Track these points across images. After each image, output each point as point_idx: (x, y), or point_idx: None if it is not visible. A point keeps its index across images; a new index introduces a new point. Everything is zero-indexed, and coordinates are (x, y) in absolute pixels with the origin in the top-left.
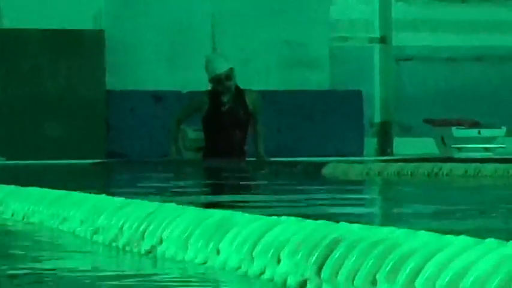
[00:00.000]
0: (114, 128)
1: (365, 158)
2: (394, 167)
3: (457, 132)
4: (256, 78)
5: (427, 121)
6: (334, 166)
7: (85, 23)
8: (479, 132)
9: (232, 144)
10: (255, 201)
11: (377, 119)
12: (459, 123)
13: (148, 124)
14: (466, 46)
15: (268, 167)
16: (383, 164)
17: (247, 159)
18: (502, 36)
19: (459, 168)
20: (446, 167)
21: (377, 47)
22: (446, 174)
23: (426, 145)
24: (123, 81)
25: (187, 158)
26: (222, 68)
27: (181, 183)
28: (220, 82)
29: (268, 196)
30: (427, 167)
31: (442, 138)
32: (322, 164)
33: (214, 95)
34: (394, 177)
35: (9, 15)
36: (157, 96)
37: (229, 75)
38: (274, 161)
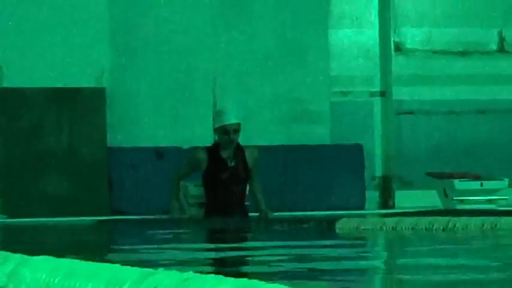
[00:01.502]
0: (116, 185)
1: (368, 212)
2: (408, 221)
3: (459, 184)
4: (257, 133)
5: (429, 174)
6: (346, 221)
7: (87, 82)
8: (481, 185)
9: (233, 201)
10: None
11: (378, 172)
12: (461, 176)
13: (150, 180)
14: (466, 99)
15: (278, 225)
16: (397, 218)
17: (250, 214)
18: (502, 89)
19: (475, 222)
20: (461, 221)
21: (378, 101)
22: (462, 228)
23: (427, 198)
24: (125, 138)
25: (190, 215)
26: (233, 119)
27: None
28: (227, 134)
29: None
30: (441, 221)
31: (444, 191)
32: (333, 220)
33: (214, 151)
34: (408, 232)
35: (10, 75)
36: (159, 153)
37: (237, 129)
38: (283, 218)
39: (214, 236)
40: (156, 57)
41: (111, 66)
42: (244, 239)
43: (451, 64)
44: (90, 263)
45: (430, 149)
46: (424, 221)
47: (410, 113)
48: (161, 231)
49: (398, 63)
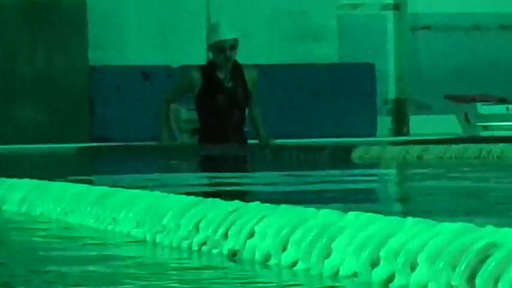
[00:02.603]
0: (98, 109)
1: (380, 139)
2: (436, 149)
3: (482, 108)
4: (256, 52)
5: (448, 97)
6: (365, 150)
7: None
8: (507, 109)
9: (231, 127)
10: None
11: (391, 95)
12: (484, 99)
13: (136, 104)
14: (490, 13)
15: (279, 152)
16: (421, 146)
17: (249, 142)
18: None
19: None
20: (497, 149)
21: (390, 14)
22: (498, 157)
23: (446, 124)
24: (108, 56)
25: (182, 142)
26: (227, 35)
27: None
28: (223, 51)
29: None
30: (473, 149)
31: (466, 116)
32: (349, 148)
33: (208, 71)
34: (437, 161)
35: None
36: (146, 73)
37: (233, 45)
38: (288, 145)
39: (210, 165)
40: None
41: None
42: (245, 169)
43: None
44: (124, 189)
45: (449, 68)
46: (454, 149)
47: (427, 28)
48: (147, 161)
49: None
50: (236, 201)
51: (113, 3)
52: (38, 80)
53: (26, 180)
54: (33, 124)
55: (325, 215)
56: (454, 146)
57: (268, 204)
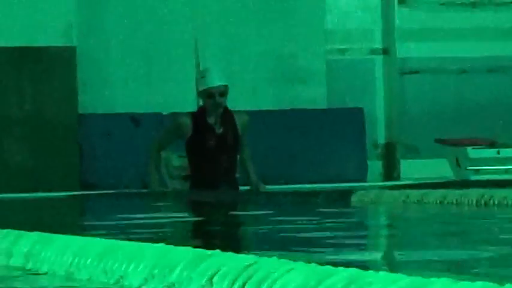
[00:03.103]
0: (87, 156)
1: (371, 184)
2: (436, 194)
3: (472, 152)
4: (243, 96)
5: (439, 141)
6: (364, 194)
7: (54, 40)
8: (498, 152)
9: (221, 172)
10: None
11: (381, 139)
12: (474, 143)
13: (125, 150)
14: (478, 56)
15: (281, 197)
16: (421, 190)
17: (240, 188)
18: None
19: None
20: (498, 194)
21: (379, 59)
22: (498, 203)
23: (436, 167)
24: (98, 103)
25: (173, 188)
26: (217, 82)
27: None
28: (213, 97)
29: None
30: (474, 194)
31: (457, 160)
32: (346, 192)
33: (199, 117)
34: (437, 206)
35: None
36: (136, 119)
37: (223, 92)
38: (279, 192)
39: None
40: (130, 10)
41: (79, 21)
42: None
43: (461, 17)
44: (130, 242)
45: (438, 112)
46: (454, 194)
47: (416, 72)
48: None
49: (402, 16)
50: (253, 256)
51: (103, 50)
52: (26, 125)
53: (31, 233)
54: (21, 170)
55: (349, 272)
56: (454, 191)
57: (286, 260)
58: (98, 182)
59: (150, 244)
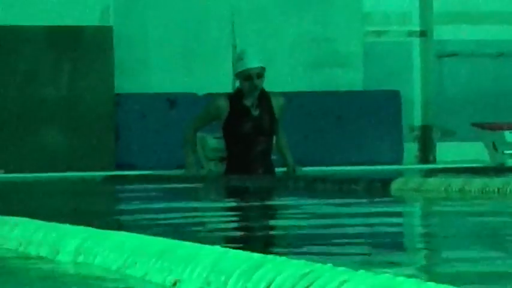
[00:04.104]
0: (123, 136)
1: (407, 167)
2: (478, 182)
3: (510, 136)
4: (280, 79)
5: (475, 125)
6: (404, 182)
7: (91, 19)
8: None
9: (258, 154)
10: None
11: (417, 122)
12: None
13: (161, 131)
14: None
15: (319, 183)
16: (462, 179)
17: (276, 170)
18: None
19: None
20: None
21: (416, 41)
22: None
23: (472, 151)
24: (134, 83)
25: (209, 170)
26: (254, 63)
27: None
28: (250, 79)
29: None
30: None
31: (493, 144)
32: (387, 180)
33: (235, 98)
34: (480, 195)
35: (4, 11)
36: (172, 100)
37: (260, 73)
38: (316, 175)
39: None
40: None
41: (117, 1)
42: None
43: (499, 0)
44: (183, 242)
45: (476, 95)
46: (496, 182)
47: (454, 55)
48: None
49: None
50: (310, 262)
51: (139, 30)
52: (62, 105)
53: (82, 228)
54: (57, 150)
55: (411, 283)
56: (496, 179)
57: (344, 268)
58: (134, 162)
59: (205, 246)
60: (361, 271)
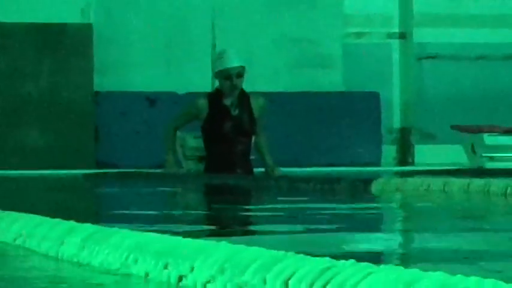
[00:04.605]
0: (103, 134)
1: (385, 168)
2: (458, 183)
3: (489, 139)
4: (261, 79)
5: (455, 127)
6: (385, 182)
7: (71, 17)
8: None
9: (237, 154)
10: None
11: (396, 124)
12: (491, 130)
13: (141, 130)
14: (496, 43)
15: (302, 183)
16: (443, 178)
17: (255, 170)
18: None
19: None
20: None
21: (396, 43)
22: None
23: (450, 154)
24: (113, 81)
25: (188, 169)
26: (235, 63)
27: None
28: (229, 78)
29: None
30: (497, 184)
31: (472, 146)
32: (367, 180)
33: (215, 98)
34: (463, 195)
35: None
36: (151, 99)
37: (240, 73)
38: (293, 176)
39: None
40: None
41: (98, 1)
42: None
43: (480, 2)
44: (191, 239)
45: (455, 98)
46: (477, 183)
47: (433, 57)
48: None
49: (420, 1)
50: (328, 259)
51: (120, 29)
52: (43, 102)
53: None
54: (37, 148)
55: (437, 276)
56: (477, 180)
57: (366, 263)
58: (114, 160)
59: (219, 243)
60: (388, 265)
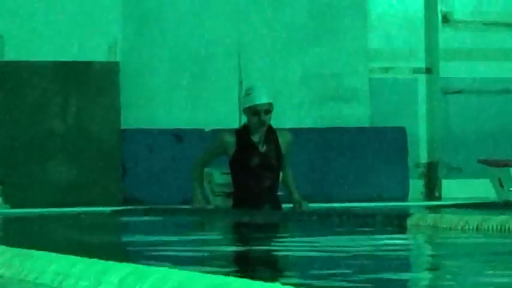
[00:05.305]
0: (130, 171)
1: (413, 203)
2: (496, 220)
3: None
4: (287, 114)
5: (482, 162)
6: (419, 217)
7: (98, 55)
8: None
9: (264, 190)
10: None
11: (423, 158)
12: None
13: (168, 166)
14: None
15: (335, 219)
16: (480, 216)
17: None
18: None
19: None
20: None
21: (422, 78)
22: None
23: (478, 188)
24: (140, 118)
25: (215, 205)
26: (263, 99)
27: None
28: (258, 114)
29: None
30: None
31: (500, 180)
32: (403, 216)
33: (243, 134)
34: (498, 233)
35: (13, 46)
36: (178, 135)
37: (268, 109)
38: (325, 211)
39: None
40: (174, 27)
41: (124, 37)
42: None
43: (505, 37)
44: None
45: (481, 132)
46: None
47: (459, 92)
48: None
49: (445, 36)
50: None
51: (146, 66)
52: (69, 139)
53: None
54: (64, 185)
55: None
56: None
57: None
58: (141, 197)
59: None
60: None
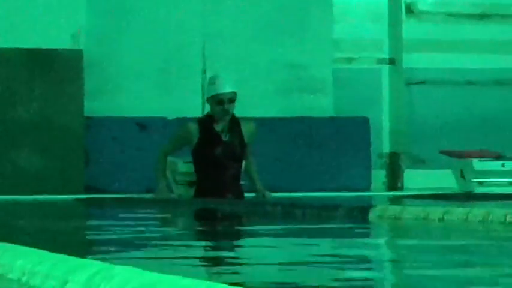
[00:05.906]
0: (93, 160)
1: (376, 193)
2: (458, 212)
3: (478, 164)
4: (252, 104)
5: (444, 153)
6: (383, 209)
7: (62, 42)
8: (503, 165)
9: (227, 179)
10: None
11: (386, 149)
12: (480, 155)
13: (131, 155)
14: (485, 68)
15: (298, 210)
16: (442, 208)
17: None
18: None
19: None
20: None
21: (386, 69)
22: None
23: (440, 178)
24: (104, 106)
25: (178, 194)
26: (227, 88)
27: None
28: (221, 104)
29: None
30: (497, 214)
31: (461, 172)
32: (365, 207)
33: (206, 123)
34: (462, 225)
35: None
36: (142, 124)
37: (232, 98)
38: (293, 202)
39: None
40: (139, 16)
41: (89, 25)
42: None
43: (468, 29)
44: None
45: (444, 123)
46: (477, 212)
47: (422, 82)
48: (142, 214)
49: (409, 27)
50: None
51: (109, 54)
52: (33, 127)
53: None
54: (26, 173)
55: None
56: (476, 209)
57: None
58: (103, 185)
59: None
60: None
